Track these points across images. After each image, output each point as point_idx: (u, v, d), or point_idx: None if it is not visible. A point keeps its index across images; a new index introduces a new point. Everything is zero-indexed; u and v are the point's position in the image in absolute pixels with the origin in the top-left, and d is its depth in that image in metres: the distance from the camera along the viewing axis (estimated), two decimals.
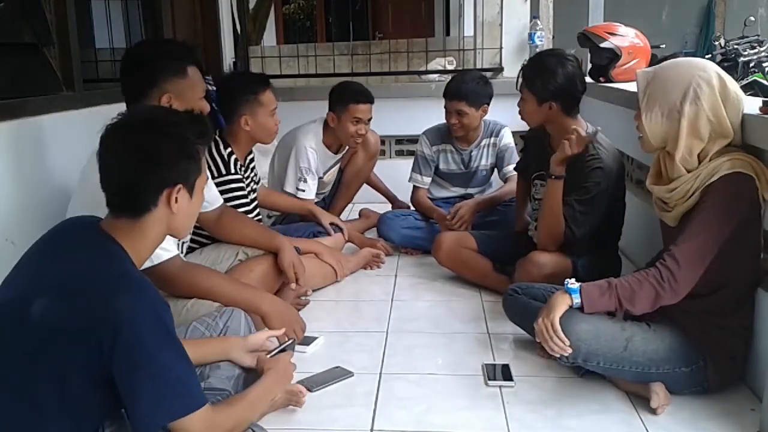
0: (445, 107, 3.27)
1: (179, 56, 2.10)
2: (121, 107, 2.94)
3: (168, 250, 1.97)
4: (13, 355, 1.30)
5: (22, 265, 1.42)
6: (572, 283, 1.86)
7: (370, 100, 3.31)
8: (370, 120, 3.33)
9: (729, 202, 1.78)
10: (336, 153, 3.46)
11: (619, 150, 2.59)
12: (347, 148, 3.51)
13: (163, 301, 1.38)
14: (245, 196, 2.71)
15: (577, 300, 1.84)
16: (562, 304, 1.84)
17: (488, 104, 3.28)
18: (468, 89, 3.20)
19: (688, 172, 1.85)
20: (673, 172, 1.88)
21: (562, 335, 1.82)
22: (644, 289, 1.81)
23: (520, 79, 2.60)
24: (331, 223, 3.21)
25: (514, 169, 3.16)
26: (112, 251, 1.37)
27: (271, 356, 1.82)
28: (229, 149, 2.71)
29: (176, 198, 1.41)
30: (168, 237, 1.84)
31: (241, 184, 2.69)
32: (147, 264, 1.77)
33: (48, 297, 1.31)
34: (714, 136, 1.84)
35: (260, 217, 2.99)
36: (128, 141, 1.39)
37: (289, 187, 3.25)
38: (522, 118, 2.65)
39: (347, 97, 3.28)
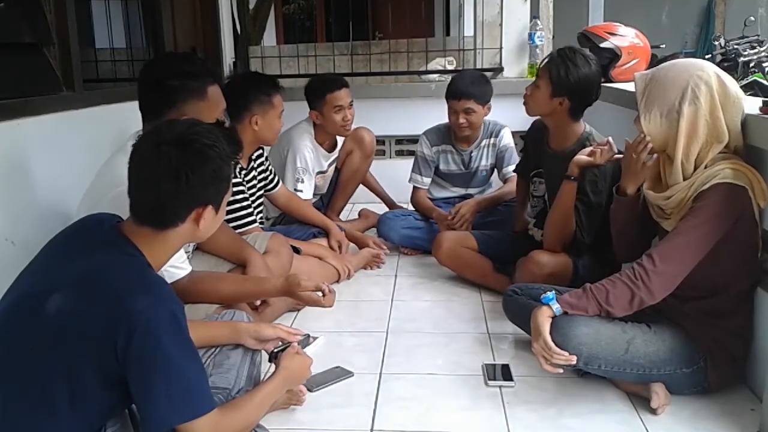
0: (451, 108, 3.25)
1: (198, 77, 2.06)
2: (120, 107, 2.98)
3: (182, 267, 1.97)
4: (26, 349, 1.30)
5: (39, 260, 1.43)
6: (545, 294, 1.89)
7: (344, 84, 3.34)
8: (351, 104, 3.34)
9: (716, 209, 1.77)
10: (330, 151, 3.47)
11: (618, 150, 2.59)
12: (341, 146, 3.53)
13: (179, 301, 1.39)
14: (245, 200, 2.70)
15: (556, 306, 1.85)
16: (544, 320, 1.85)
17: (490, 102, 3.28)
18: (474, 88, 3.20)
19: (685, 179, 1.85)
20: (672, 177, 1.87)
21: (559, 351, 1.82)
22: (618, 288, 1.80)
23: (545, 62, 2.54)
24: (339, 242, 3.20)
25: (515, 170, 3.16)
26: (130, 252, 1.38)
27: (278, 349, 1.79)
28: None
29: (204, 216, 1.43)
30: (181, 251, 1.85)
31: (241, 188, 2.68)
32: None
33: (64, 293, 1.31)
34: (709, 140, 1.82)
35: (262, 218, 2.99)
36: (167, 161, 1.36)
37: (288, 187, 3.25)
38: (525, 104, 2.60)
39: (321, 89, 3.32)
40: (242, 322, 1.86)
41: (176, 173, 1.36)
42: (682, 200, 1.85)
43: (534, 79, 2.60)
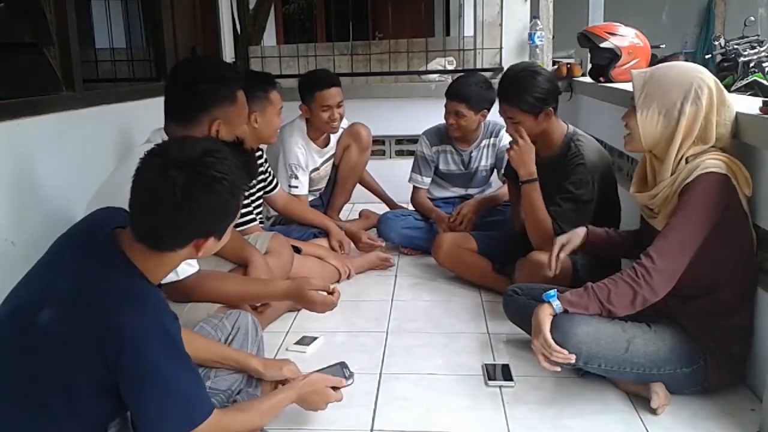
0: (445, 106, 3.27)
1: (230, 82, 2.07)
2: (120, 107, 2.98)
3: (192, 265, 1.97)
4: (22, 358, 1.30)
5: (36, 269, 1.41)
6: (547, 291, 1.89)
7: (334, 83, 3.33)
8: (341, 103, 3.33)
9: (703, 200, 1.79)
10: (323, 146, 3.47)
11: (618, 150, 2.59)
12: (336, 141, 3.53)
13: (171, 312, 1.36)
14: (245, 198, 2.69)
15: (557, 303, 1.85)
16: (545, 317, 1.85)
17: (489, 110, 3.27)
18: (470, 92, 3.20)
19: (671, 175, 1.87)
20: (661, 174, 1.90)
21: (558, 348, 1.82)
22: (620, 287, 1.81)
23: (505, 105, 2.57)
24: (339, 242, 3.19)
25: (503, 173, 3.17)
26: (122, 264, 1.34)
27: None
28: None
29: (204, 246, 1.38)
30: None
31: None
32: (172, 277, 1.80)
33: (55, 307, 1.30)
34: (697, 141, 1.86)
35: (261, 218, 2.99)
36: (172, 189, 1.27)
37: (282, 185, 3.25)
38: (521, 138, 2.61)
39: (311, 86, 3.33)
40: (255, 358, 1.83)
41: (179, 204, 1.28)
42: (667, 196, 1.88)
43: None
